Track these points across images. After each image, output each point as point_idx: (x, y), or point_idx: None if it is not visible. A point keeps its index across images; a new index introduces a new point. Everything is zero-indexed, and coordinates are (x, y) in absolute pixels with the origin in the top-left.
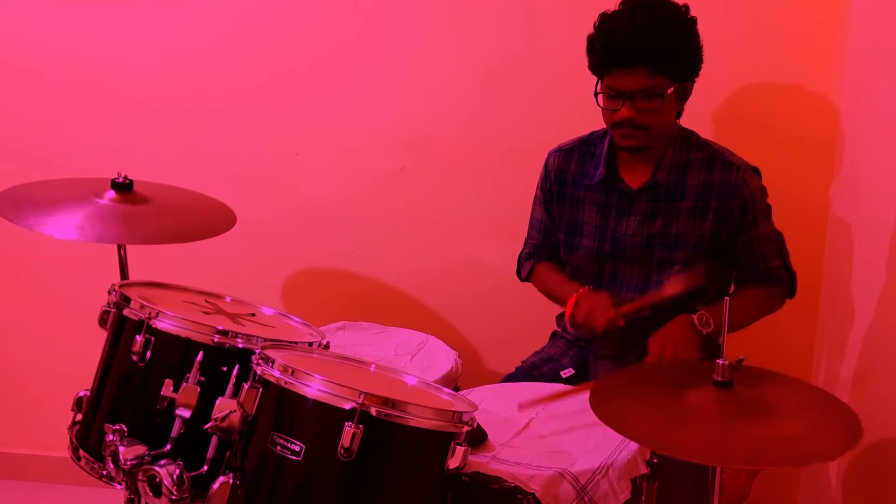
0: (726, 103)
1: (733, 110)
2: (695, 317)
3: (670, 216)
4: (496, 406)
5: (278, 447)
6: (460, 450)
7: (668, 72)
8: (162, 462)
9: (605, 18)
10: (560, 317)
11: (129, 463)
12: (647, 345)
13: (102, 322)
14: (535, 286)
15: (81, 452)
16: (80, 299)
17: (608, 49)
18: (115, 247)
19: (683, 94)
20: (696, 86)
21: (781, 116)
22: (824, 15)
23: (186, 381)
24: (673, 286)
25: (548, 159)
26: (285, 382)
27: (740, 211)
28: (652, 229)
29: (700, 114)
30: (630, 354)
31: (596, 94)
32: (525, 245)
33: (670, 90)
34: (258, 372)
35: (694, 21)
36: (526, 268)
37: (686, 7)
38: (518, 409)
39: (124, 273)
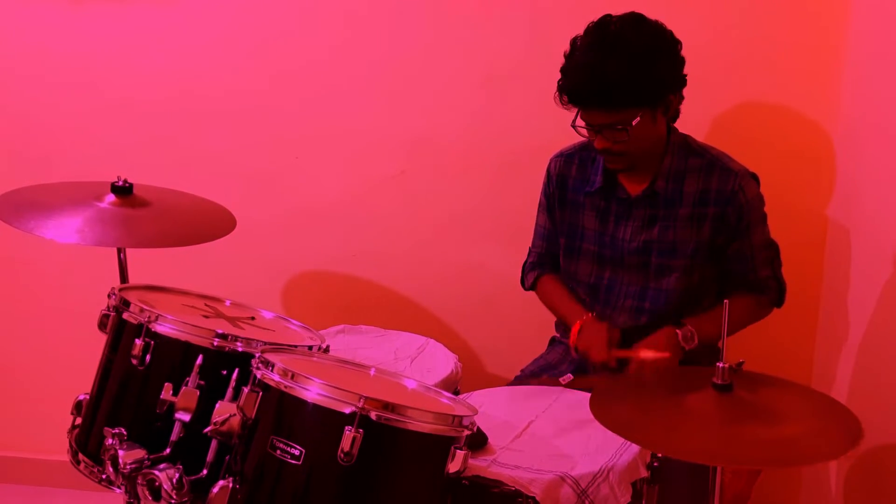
0: (725, 114)
1: (732, 120)
2: (679, 332)
3: (668, 223)
4: (496, 409)
5: (278, 451)
6: (460, 453)
7: (629, 105)
8: (161, 466)
9: (570, 51)
10: (559, 323)
11: (128, 467)
12: (635, 355)
13: (102, 326)
14: (539, 298)
15: (81, 456)
16: (80, 303)
17: (566, 91)
18: (114, 250)
19: (666, 108)
20: (695, 98)
21: (780, 126)
22: (822, 27)
23: (186, 385)
24: (655, 354)
25: (550, 164)
26: (285, 386)
27: (736, 217)
28: (649, 236)
29: (699, 123)
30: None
31: (574, 126)
32: (529, 254)
33: (636, 121)
34: (258, 376)
35: (660, 40)
36: (530, 278)
37: (655, 23)
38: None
39: (124, 277)
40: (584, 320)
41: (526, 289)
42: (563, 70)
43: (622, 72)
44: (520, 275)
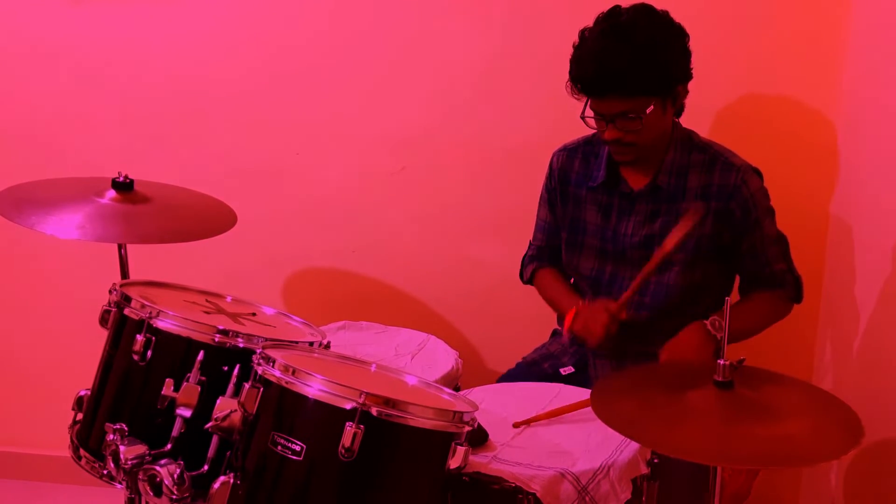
0: (728, 108)
1: (735, 114)
2: (707, 322)
3: (670, 217)
4: (497, 406)
5: (279, 447)
6: (461, 450)
7: (643, 93)
8: (162, 461)
9: (580, 40)
10: (561, 316)
11: (129, 462)
12: (659, 354)
13: (103, 321)
14: (537, 291)
15: (82, 452)
16: (81, 299)
17: (578, 80)
18: (115, 246)
19: (674, 99)
20: (698, 91)
21: (782, 120)
22: (824, 20)
23: (187, 381)
24: (671, 239)
25: (552, 158)
26: (286, 382)
27: (741, 212)
28: (651, 230)
29: (702, 117)
30: (629, 355)
31: (583, 117)
32: (529, 247)
33: (650, 109)
34: (259, 371)
35: (671, 30)
36: (528, 270)
37: (664, 14)
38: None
39: (125, 272)
40: (580, 306)
41: (524, 282)
42: (573, 59)
43: (636, 57)
44: (518, 269)
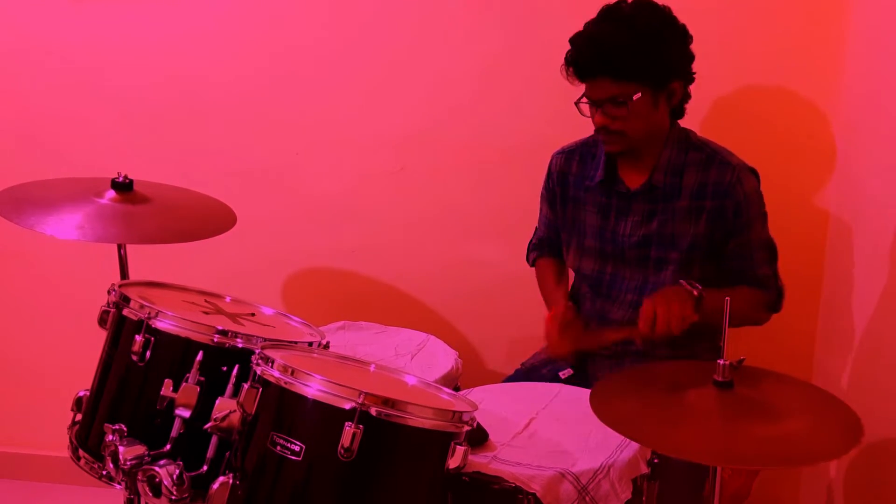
0: (725, 104)
1: (732, 111)
2: (683, 281)
3: (666, 216)
4: (497, 406)
5: (278, 447)
6: (460, 450)
7: (632, 79)
8: (162, 462)
9: (584, 27)
10: None
11: (128, 463)
12: (640, 311)
13: (102, 322)
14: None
15: (81, 452)
16: (80, 299)
17: (572, 61)
18: (115, 246)
19: (668, 96)
20: (697, 88)
21: (781, 117)
22: (823, 16)
23: (186, 381)
24: (615, 333)
25: (551, 161)
26: (285, 382)
27: (733, 211)
28: (648, 230)
29: (698, 114)
30: (628, 355)
31: (577, 103)
32: (535, 232)
33: (637, 96)
34: (258, 372)
35: (670, 25)
36: (531, 256)
37: (666, 9)
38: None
39: (124, 273)
40: (554, 312)
41: (530, 265)
42: (570, 41)
43: (629, 40)
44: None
